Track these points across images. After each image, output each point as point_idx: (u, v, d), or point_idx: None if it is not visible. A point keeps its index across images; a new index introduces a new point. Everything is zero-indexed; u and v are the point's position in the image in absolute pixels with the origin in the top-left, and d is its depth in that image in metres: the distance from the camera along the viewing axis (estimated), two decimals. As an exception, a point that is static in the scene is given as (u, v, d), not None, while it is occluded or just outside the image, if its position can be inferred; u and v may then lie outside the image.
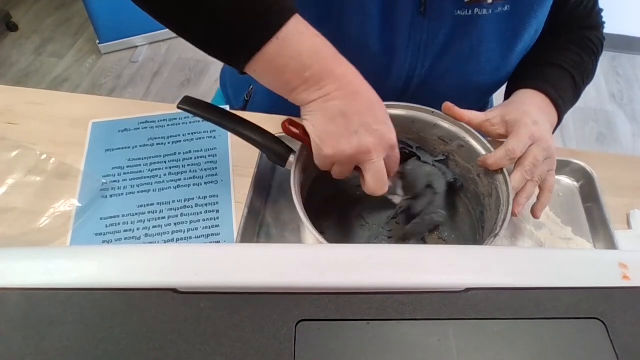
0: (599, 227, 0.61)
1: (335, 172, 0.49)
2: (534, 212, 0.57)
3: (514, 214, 0.51)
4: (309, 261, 0.30)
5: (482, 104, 0.78)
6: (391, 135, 0.48)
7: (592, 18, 0.70)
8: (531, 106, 0.59)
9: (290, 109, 0.50)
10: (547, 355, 0.27)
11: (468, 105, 0.71)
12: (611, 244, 0.58)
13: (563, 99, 0.62)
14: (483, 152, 0.54)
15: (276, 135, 0.52)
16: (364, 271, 0.30)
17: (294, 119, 0.49)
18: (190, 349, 0.27)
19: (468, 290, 0.29)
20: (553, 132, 0.61)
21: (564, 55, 0.66)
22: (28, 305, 0.28)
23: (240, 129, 0.51)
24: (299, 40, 0.43)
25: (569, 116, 1.98)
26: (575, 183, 0.66)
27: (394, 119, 0.56)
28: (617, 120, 2.00)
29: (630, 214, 0.63)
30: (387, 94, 0.64)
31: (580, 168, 0.65)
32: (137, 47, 2.18)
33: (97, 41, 2.12)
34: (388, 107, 0.55)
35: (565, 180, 0.67)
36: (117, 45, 2.15)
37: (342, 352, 0.27)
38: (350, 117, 0.45)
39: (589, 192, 0.64)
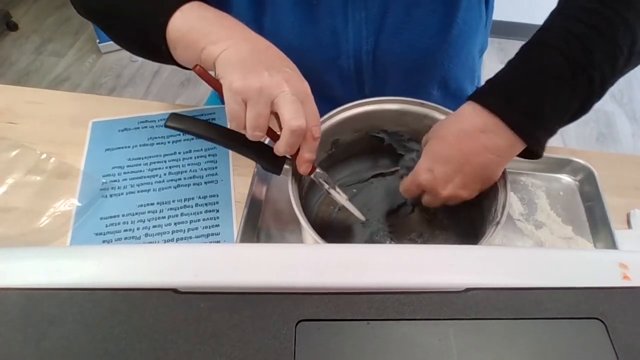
0: (599, 227, 0.61)
1: (250, 117, 0.44)
2: None
3: None
4: (309, 261, 0.30)
5: (448, 71, 0.69)
6: (303, 84, 0.46)
7: None
8: (449, 135, 0.48)
9: None
10: (547, 355, 0.27)
11: (434, 74, 0.68)
12: (611, 244, 0.58)
13: (529, 113, 0.45)
14: None
15: (267, 143, 0.52)
16: (364, 271, 0.30)
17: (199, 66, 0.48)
18: (190, 349, 0.27)
19: (468, 290, 0.29)
20: (535, 156, 0.47)
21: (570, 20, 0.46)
22: (28, 305, 0.28)
23: (232, 142, 0.50)
24: (201, 9, 0.49)
25: (569, 115, 1.99)
26: (576, 182, 0.66)
27: (385, 113, 0.56)
28: (617, 120, 1.99)
29: (630, 214, 0.63)
30: (343, 75, 0.66)
31: (581, 166, 0.65)
32: (137, 46, 2.18)
33: (97, 40, 2.11)
34: (378, 102, 0.56)
35: (565, 178, 0.66)
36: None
37: (342, 352, 0.27)
38: (260, 56, 0.45)
39: (590, 191, 0.64)
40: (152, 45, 0.51)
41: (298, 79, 0.46)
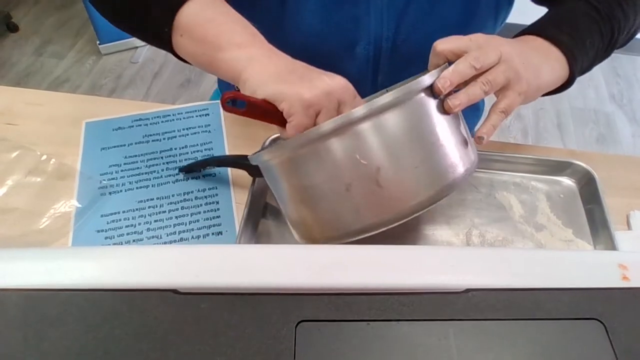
0: (599, 229, 0.61)
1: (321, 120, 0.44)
2: (476, 136, 0.46)
3: (477, 141, 0.45)
4: (309, 261, 0.30)
5: None
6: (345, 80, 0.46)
7: None
8: (519, 41, 0.53)
9: None
10: (547, 356, 0.27)
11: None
12: (611, 246, 0.58)
13: (576, 41, 0.54)
14: None
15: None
16: (364, 271, 0.30)
17: (232, 93, 0.43)
18: (190, 349, 0.27)
19: (468, 291, 0.29)
20: (566, 87, 0.56)
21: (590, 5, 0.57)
22: (28, 305, 0.28)
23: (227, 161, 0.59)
24: (218, 3, 0.46)
25: (568, 117, 1.99)
26: (576, 184, 0.66)
27: None
28: (616, 121, 2.00)
29: (630, 215, 0.63)
30: (360, 62, 0.66)
31: (582, 169, 0.65)
32: (137, 47, 2.18)
33: (97, 42, 2.12)
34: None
35: (566, 181, 0.66)
36: (117, 46, 2.14)
37: (342, 352, 0.27)
38: (301, 65, 0.45)
39: (590, 194, 0.64)
40: (153, 25, 0.48)
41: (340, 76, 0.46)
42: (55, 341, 0.27)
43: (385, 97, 0.38)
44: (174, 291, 0.29)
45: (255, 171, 0.53)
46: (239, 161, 0.57)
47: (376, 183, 0.39)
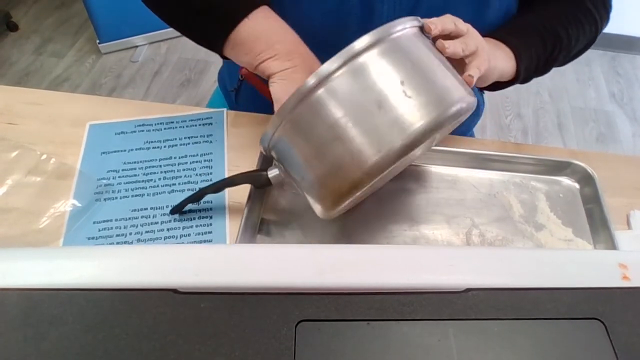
0: (599, 229, 0.61)
1: None
2: (466, 76, 0.51)
3: (443, 50, 0.50)
4: (309, 261, 0.30)
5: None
6: None
7: None
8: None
9: None
10: (547, 355, 0.27)
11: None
12: (612, 246, 0.58)
13: (523, 44, 0.61)
14: None
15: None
16: (364, 271, 0.30)
17: (250, 73, 0.51)
18: (190, 349, 0.27)
19: (468, 290, 0.29)
20: (511, 84, 0.63)
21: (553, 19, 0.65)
22: (28, 305, 0.28)
23: (224, 183, 0.59)
24: (269, 21, 0.55)
25: (568, 116, 1.99)
26: (576, 184, 0.66)
27: None
28: (617, 120, 2.00)
29: (630, 214, 0.63)
30: None
31: (581, 169, 0.65)
32: (137, 46, 2.17)
33: (97, 41, 2.11)
34: None
35: (566, 181, 0.66)
36: (117, 45, 2.14)
37: (342, 352, 0.27)
38: None
39: (590, 193, 0.64)
40: (212, 34, 0.56)
41: None
42: (55, 341, 0.27)
43: (392, 23, 0.45)
44: (174, 291, 0.29)
45: (261, 180, 0.54)
46: (240, 179, 0.57)
47: (404, 94, 0.44)
